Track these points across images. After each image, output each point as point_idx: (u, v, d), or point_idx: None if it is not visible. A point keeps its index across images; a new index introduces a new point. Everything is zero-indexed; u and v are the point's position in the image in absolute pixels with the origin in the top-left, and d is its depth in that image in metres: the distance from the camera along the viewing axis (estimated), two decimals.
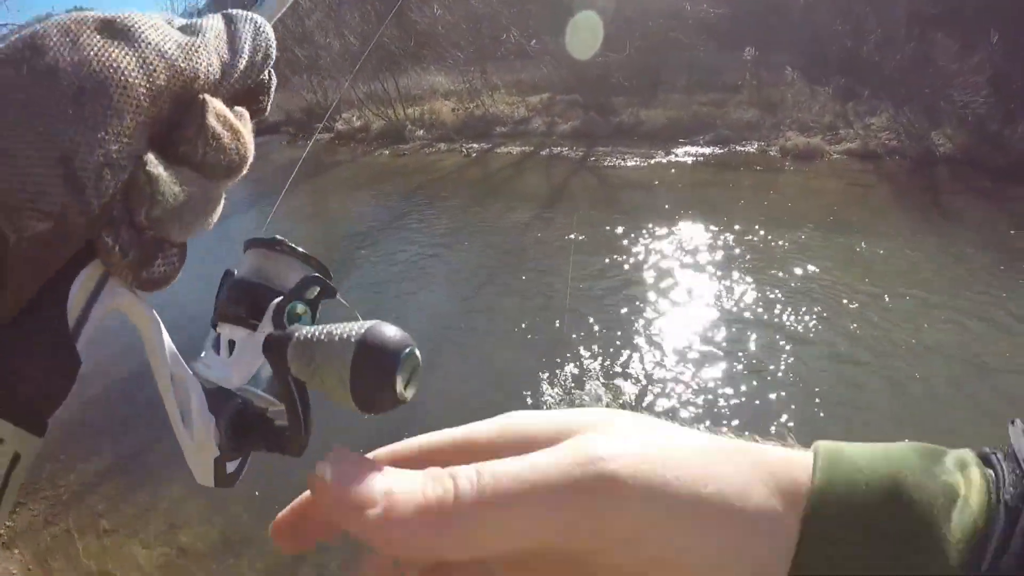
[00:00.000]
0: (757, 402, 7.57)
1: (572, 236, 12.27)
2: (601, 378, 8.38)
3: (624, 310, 9.80)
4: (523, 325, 9.68)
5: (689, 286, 10.23)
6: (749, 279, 10.16)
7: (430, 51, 31.57)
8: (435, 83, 30.85)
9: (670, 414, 7.50)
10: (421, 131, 26.60)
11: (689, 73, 22.24)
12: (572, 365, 8.74)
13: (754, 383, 7.90)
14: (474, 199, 17.04)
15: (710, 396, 7.79)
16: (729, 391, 7.80)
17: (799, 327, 8.82)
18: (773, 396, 7.66)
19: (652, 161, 17.33)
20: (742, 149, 17.54)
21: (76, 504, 8.20)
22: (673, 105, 21.14)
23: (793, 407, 7.45)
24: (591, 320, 9.68)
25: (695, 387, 7.98)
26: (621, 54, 23.30)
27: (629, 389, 8.15)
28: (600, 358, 8.85)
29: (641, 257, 11.39)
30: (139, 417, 9.81)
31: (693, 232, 12.02)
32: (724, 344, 8.69)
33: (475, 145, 23.26)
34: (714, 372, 8.19)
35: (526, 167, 19.80)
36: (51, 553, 7.48)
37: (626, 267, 11.09)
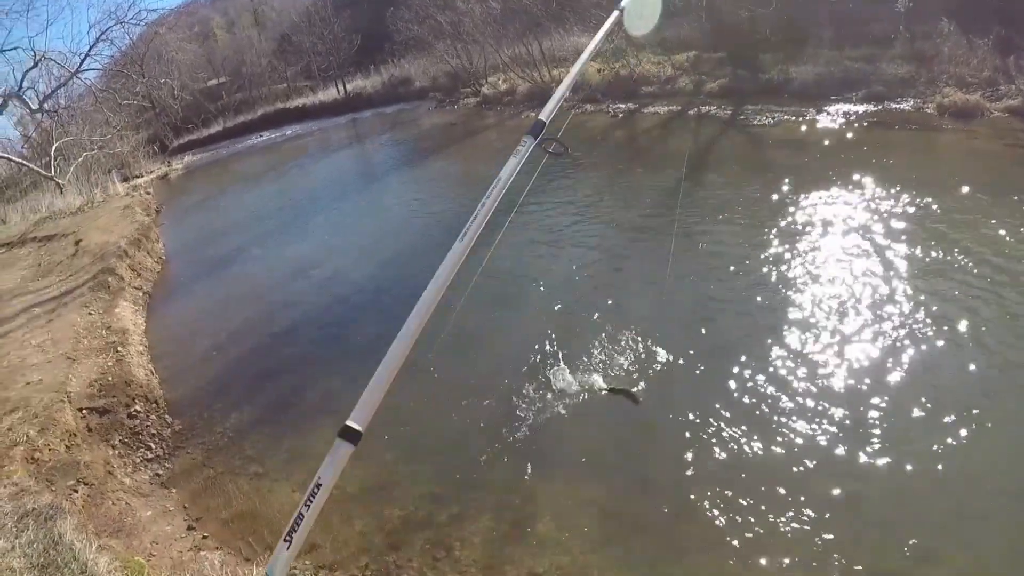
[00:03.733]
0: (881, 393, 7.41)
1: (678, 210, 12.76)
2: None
3: (774, 276, 10.09)
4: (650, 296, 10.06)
5: (839, 252, 10.26)
6: (903, 244, 10.07)
7: (572, 12, 31.73)
8: (579, 44, 31.04)
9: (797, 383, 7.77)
10: (568, 93, 26.92)
11: (838, 26, 21.74)
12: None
13: (888, 362, 7.79)
14: (620, 161, 17.54)
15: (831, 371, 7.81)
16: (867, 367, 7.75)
17: (956, 295, 8.66)
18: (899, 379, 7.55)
19: (803, 119, 17.27)
20: (897, 106, 17.05)
21: (229, 449, 9.31)
22: (823, 60, 20.77)
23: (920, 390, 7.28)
24: (732, 281, 10.17)
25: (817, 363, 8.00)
26: (767, 8, 23.10)
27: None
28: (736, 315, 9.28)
29: (792, 219, 11.64)
30: (286, 372, 11.06)
31: (846, 194, 12.10)
32: (867, 313, 8.70)
33: (622, 105, 23.62)
34: (853, 344, 8.15)
35: (674, 127, 20.11)
36: (206, 493, 8.54)
37: (775, 231, 11.36)
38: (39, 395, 9.77)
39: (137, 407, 10.09)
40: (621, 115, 22.76)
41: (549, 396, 8.39)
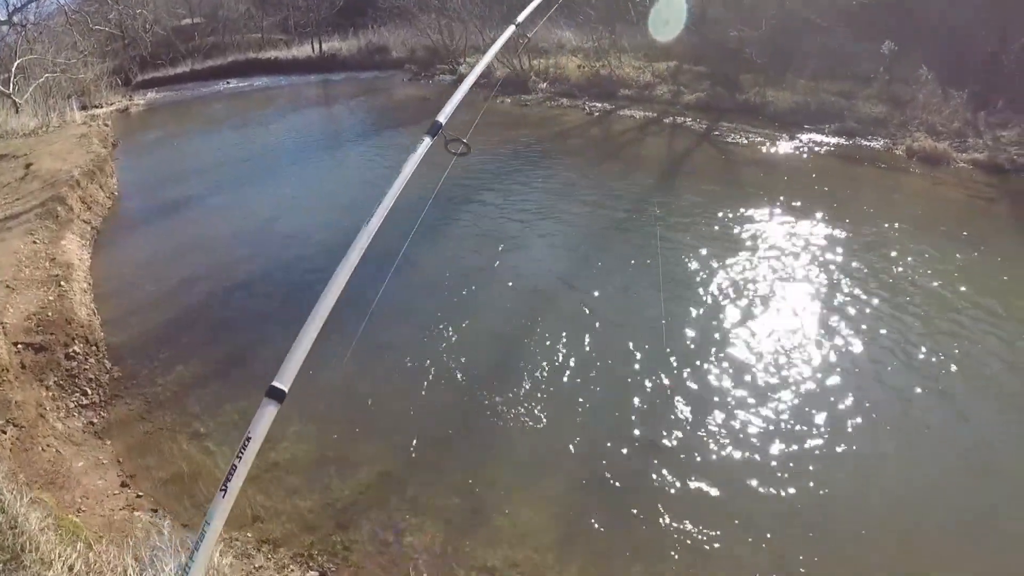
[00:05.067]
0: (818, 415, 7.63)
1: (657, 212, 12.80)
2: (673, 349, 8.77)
3: (719, 287, 10.26)
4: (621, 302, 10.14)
5: (791, 275, 10.55)
6: (856, 279, 10.33)
7: (561, 5, 31.55)
8: (562, 38, 31.00)
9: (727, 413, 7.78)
10: (544, 84, 26.97)
11: (820, 58, 21.98)
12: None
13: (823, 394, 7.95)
14: (594, 158, 17.60)
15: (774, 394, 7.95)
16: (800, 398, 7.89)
17: (897, 339, 8.84)
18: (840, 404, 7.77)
19: (776, 143, 17.55)
20: (867, 144, 17.54)
21: (171, 404, 8.95)
22: (801, 89, 21.06)
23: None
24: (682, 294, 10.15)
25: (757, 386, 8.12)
26: (757, 30, 23.24)
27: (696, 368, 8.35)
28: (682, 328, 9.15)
29: (750, 237, 11.85)
30: (238, 328, 10.78)
31: (808, 222, 12.34)
32: (809, 342, 8.87)
33: (598, 104, 23.63)
34: (787, 374, 8.28)
35: (649, 132, 20.18)
36: (143, 448, 8.19)
37: (732, 245, 11.56)
38: None
39: (76, 348, 9.64)
40: (597, 113, 22.80)
41: (515, 384, 8.27)
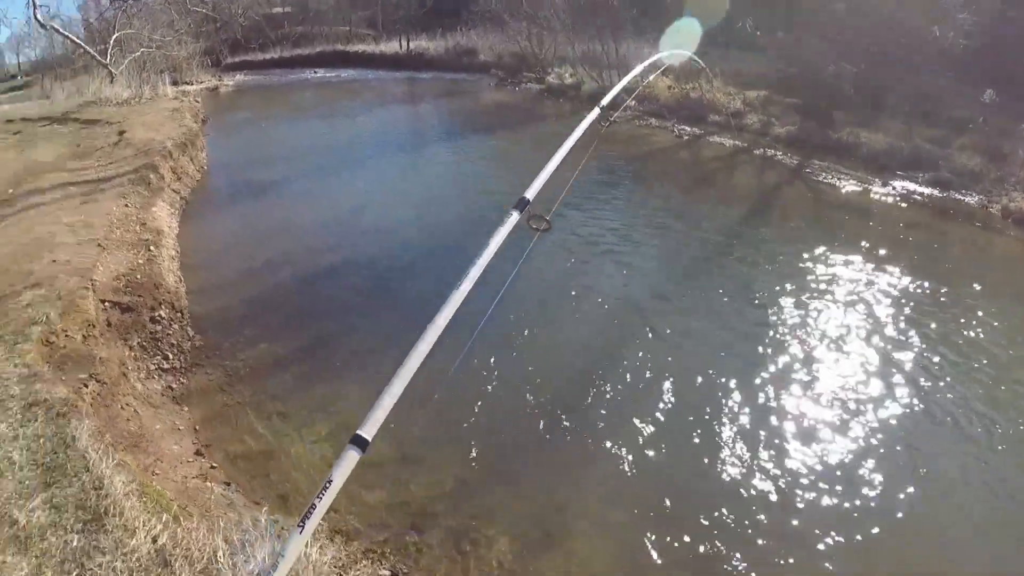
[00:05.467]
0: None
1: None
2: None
3: (792, 328, 9.84)
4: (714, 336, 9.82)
5: (864, 325, 9.96)
6: (929, 339, 9.63)
7: (653, 22, 31.38)
8: (650, 55, 30.71)
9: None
10: (633, 102, 26.62)
11: (917, 100, 21.35)
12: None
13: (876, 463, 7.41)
14: (683, 185, 17.19)
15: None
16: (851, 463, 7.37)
17: (961, 414, 8.07)
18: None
19: (867, 188, 16.86)
20: (961, 198, 16.34)
21: (250, 381, 8.84)
22: (895, 132, 20.43)
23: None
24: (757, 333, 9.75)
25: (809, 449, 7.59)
26: (856, 67, 22.76)
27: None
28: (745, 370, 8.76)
29: (831, 281, 11.31)
30: (321, 315, 10.65)
31: (889, 273, 11.63)
32: (869, 397, 8.33)
33: (687, 128, 23.26)
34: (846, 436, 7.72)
35: (739, 162, 19.73)
36: (219, 420, 8.11)
37: (812, 288, 11.06)
38: (65, 277, 9.28)
39: (161, 312, 9.68)
40: (686, 137, 22.40)
41: (596, 410, 8.08)
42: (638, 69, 7.10)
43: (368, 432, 2.96)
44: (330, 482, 2.79)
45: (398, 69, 41.36)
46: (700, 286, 11.15)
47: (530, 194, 4.06)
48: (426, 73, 39.79)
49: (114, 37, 32.02)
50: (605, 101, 5.65)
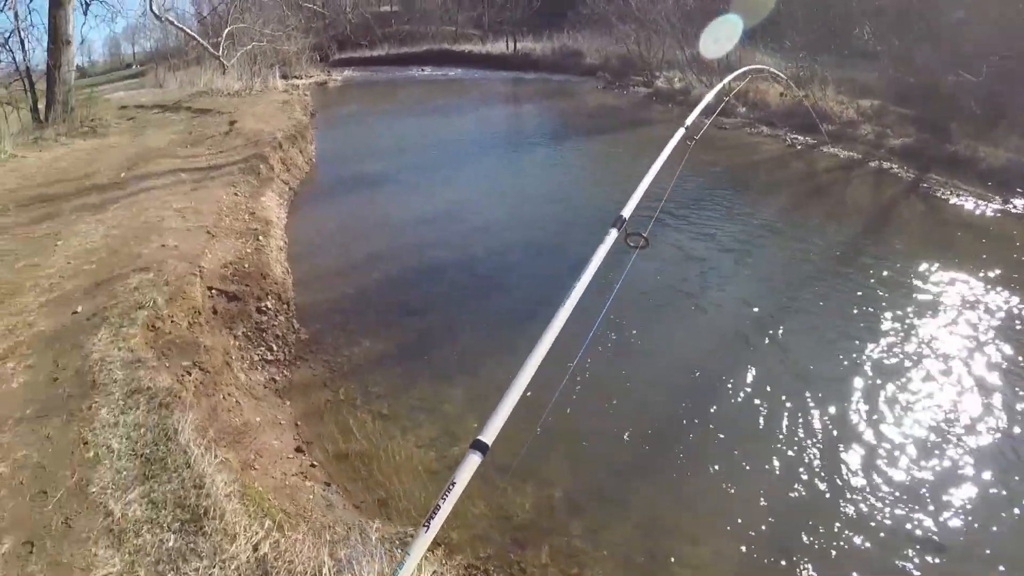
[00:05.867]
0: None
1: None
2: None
3: (904, 352, 8.90)
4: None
5: (976, 352, 8.95)
6: None
7: (764, 28, 30.70)
8: (762, 62, 30.08)
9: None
10: (743, 108, 26.04)
11: None
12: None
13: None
14: (795, 198, 16.47)
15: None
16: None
17: None
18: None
19: (987, 205, 15.96)
20: None
21: (354, 378, 8.53)
22: (1015, 147, 19.47)
23: None
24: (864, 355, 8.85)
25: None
26: (977, 77, 21.83)
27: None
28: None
29: (944, 304, 10.25)
30: (427, 313, 10.29)
31: (1005, 298, 10.43)
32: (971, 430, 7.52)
33: (800, 137, 22.49)
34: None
35: (854, 175, 18.79)
36: (321, 417, 7.82)
37: (932, 315, 10.01)
38: (173, 262, 9.21)
39: (268, 303, 9.53)
40: (799, 147, 21.63)
41: (706, 431, 7.69)
42: (719, 86, 7.11)
43: (488, 437, 3.04)
44: (453, 484, 2.87)
45: (504, 69, 41.61)
46: (809, 306, 10.37)
47: (626, 212, 4.26)
48: (531, 74, 39.81)
49: (226, 31, 32.78)
50: (689, 121, 5.81)
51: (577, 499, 6.67)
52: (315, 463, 6.98)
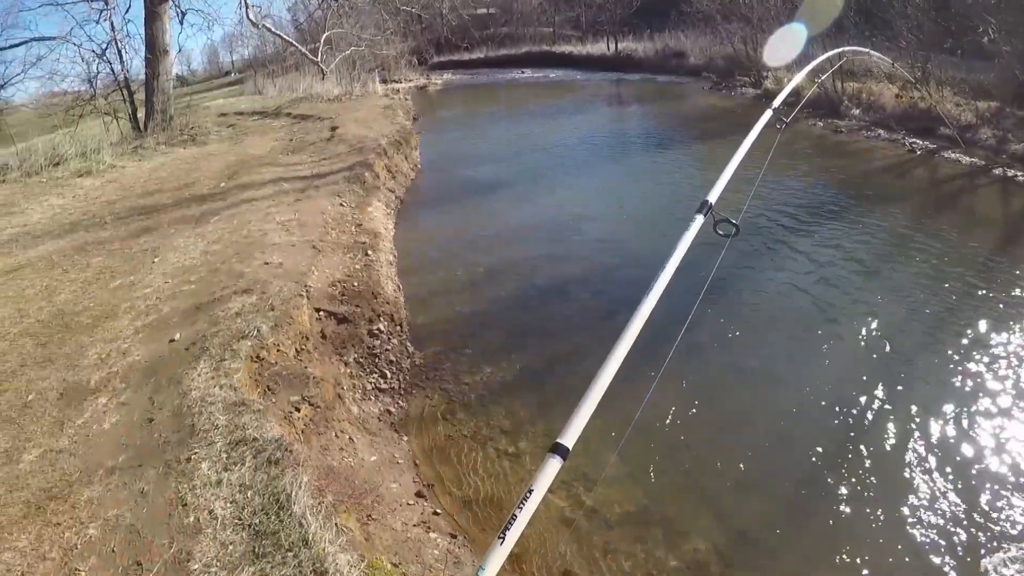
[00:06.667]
0: None
1: None
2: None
3: None
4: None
5: None
6: None
7: (875, 25, 29.24)
8: (871, 62, 28.57)
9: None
10: (857, 110, 24.61)
11: None
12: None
13: None
14: (921, 207, 14.90)
15: None
16: None
17: None
18: None
19: None
20: None
21: (477, 409, 7.63)
22: None
23: None
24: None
25: None
26: None
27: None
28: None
29: None
30: (553, 336, 9.24)
31: None
32: None
33: (919, 142, 20.97)
34: None
35: (979, 184, 17.20)
36: (443, 455, 6.94)
37: None
38: (277, 282, 8.51)
39: (381, 325, 8.73)
40: (919, 152, 20.14)
41: (848, 470, 6.64)
42: (807, 69, 6.78)
43: (568, 440, 2.86)
44: (531, 491, 2.66)
45: (604, 70, 41.06)
46: (949, 328, 9.16)
47: (712, 196, 3.98)
48: (634, 75, 39.05)
49: (324, 36, 32.82)
50: (777, 103, 5.54)
51: (724, 550, 5.77)
52: (438, 511, 6.15)
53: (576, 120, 26.26)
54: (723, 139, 22.18)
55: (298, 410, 6.46)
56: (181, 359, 6.79)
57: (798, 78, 6.28)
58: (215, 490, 4.79)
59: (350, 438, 6.70)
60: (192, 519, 4.55)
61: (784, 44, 26.35)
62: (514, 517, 2.55)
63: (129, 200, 13.11)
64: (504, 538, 2.51)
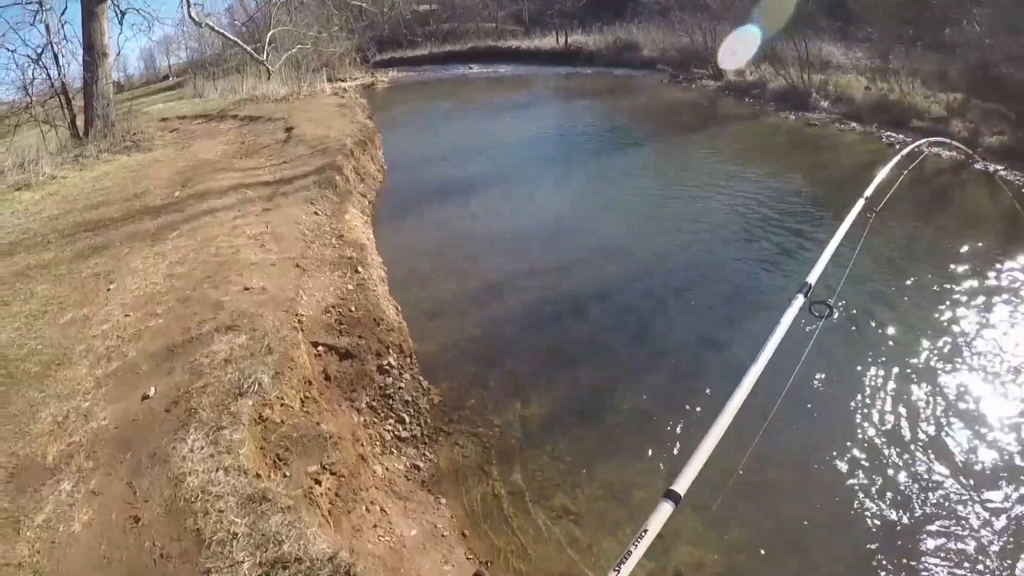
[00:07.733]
0: None
1: None
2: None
3: None
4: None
5: None
6: None
7: (843, 18, 28.60)
8: (831, 54, 27.87)
9: None
10: (826, 103, 23.93)
11: None
12: None
13: None
14: (919, 208, 13.87)
15: None
16: None
17: None
18: None
19: None
20: None
21: (519, 458, 6.44)
22: None
23: None
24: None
25: None
26: None
27: None
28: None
29: None
30: (576, 360, 8.09)
31: None
32: None
33: (894, 135, 20.09)
34: None
35: (966, 179, 15.98)
36: (490, 519, 5.73)
37: None
38: (266, 313, 7.09)
39: (391, 359, 7.36)
40: (897, 146, 19.13)
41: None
42: (893, 161, 6.34)
43: (681, 487, 2.77)
44: (645, 531, 2.60)
45: (555, 64, 40.58)
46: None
47: (811, 278, 4.04)
48: (587, 68, 38.58)
49: (269, 34, 32.16)
50: (868, 192, 5.49)
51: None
52: None
53: (535, 115, 25.68)
54: (701, 134, 21.31)
55: (319, 483, 5.08)
56: (162, 425, 5.38)
57: (886, 168, 6.05)
58: None
59: (382, 509, 5.37)
60: None
61: (740, 45, 26.88)
62: (629, 552, 2.52)
63: (73, 215, 11.61)
64: (619, 571, 2.46)
